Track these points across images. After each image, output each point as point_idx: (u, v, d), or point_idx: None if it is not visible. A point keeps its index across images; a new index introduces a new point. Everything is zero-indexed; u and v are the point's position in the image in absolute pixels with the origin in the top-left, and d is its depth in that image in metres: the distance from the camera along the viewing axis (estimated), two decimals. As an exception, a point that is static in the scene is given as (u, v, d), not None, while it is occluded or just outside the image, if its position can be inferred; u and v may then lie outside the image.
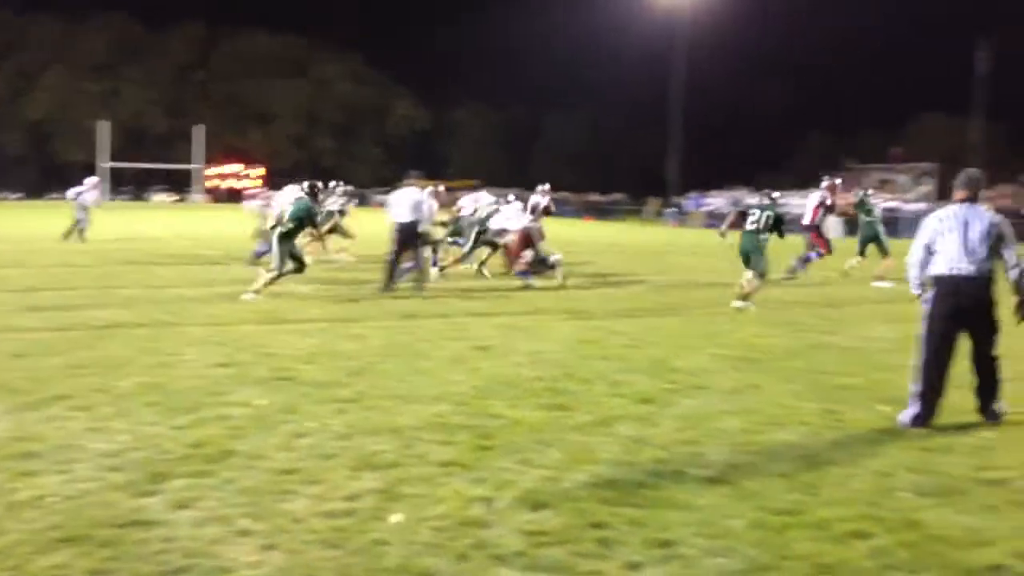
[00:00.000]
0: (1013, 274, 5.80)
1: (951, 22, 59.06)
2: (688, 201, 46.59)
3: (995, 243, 5.77)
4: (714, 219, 42.23)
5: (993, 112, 52.04)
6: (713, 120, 64.50)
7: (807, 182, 44.87)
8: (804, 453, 5.13)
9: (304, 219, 11.68)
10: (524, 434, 5.39)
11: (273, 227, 11.82)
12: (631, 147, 71.08)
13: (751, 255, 11.44)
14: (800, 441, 5.38)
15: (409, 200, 12.43)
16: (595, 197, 53.00)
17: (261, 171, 74.23)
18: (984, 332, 5.86)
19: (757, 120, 67.50)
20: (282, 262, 11.42)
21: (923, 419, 5.78)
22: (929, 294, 5.92)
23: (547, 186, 22.01)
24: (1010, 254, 5.78)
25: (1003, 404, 5.94)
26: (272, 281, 11.53)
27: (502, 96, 78.26)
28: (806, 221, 16.22)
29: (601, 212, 48.92)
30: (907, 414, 5.83)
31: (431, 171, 60.64)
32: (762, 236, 11.45)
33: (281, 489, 4.38)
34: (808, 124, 66.74)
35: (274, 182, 68.17)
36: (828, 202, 16.10)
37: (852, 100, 65.25)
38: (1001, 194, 39.78)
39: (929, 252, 5.92)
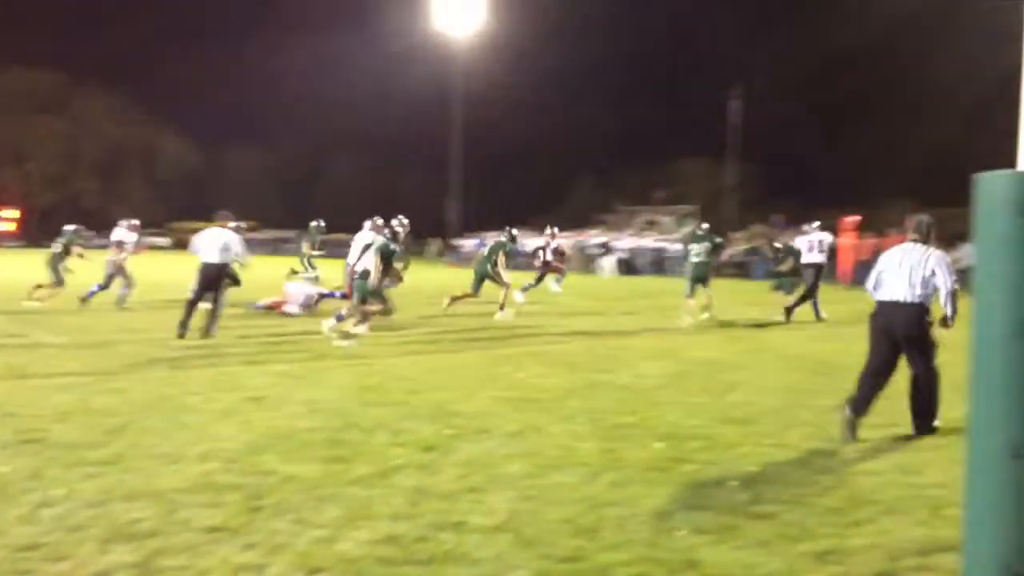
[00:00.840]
0: (946, 299, 6.76)
1: (705, 71, 63.32)
2: (470, 242, 47.14)
3: (932, 277, 6.75)
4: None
5: (747, 156, 56.17)
6: (490, 162, 65.81)
7: (580, 223, 46.71)
8: (585, 495, 5.12)
9: (388, 258, 12.19)
10: (299, 491, 5.10)
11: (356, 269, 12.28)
12: (412, 188, 71.31)
13: (704, 279, 15.51)
14: (580, 483, 5.38)
15: (218, 241, 12.14)
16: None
17: (16, 213, 68.95)
18: (914, 352, 6.87)
19: (531, 163, 69.55)
20: (380, 297, 11.92)
21: (851, 420, 6.80)
22: None
23: (555, 229, 22.12)
24: (945, 285, 6.75)
25: (937, 421, 6.96)
26: (368, 317, 11.97)
27: (277, 136, 76.72)
28: (818, 259, 16.47)
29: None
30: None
31: (204, 213, 58.34)
32: (709, 262, 15.70)
33: (20, 569, 3.90)
34: (579, 167, 69.38)
35: (31, 225, 63.56)
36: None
37: (618, 145, 68.45)
38: (754, 233, 42.76)
39: (880, 279, 7.03)
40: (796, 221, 42.92)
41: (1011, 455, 3.63)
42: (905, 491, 5.29)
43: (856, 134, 58.35)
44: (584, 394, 8.33)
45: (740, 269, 37.55)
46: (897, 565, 4.15)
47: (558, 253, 22.61)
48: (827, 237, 16.94)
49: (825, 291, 17.90)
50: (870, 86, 58.37)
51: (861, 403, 6.85)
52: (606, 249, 37.77)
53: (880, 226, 33.60)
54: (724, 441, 6.53)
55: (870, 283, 7.17)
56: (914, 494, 5.22)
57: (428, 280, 26.02)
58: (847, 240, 31.09)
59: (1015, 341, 3.62)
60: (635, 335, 13.50)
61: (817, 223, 17.31)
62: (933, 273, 6.72)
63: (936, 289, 6.75)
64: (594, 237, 40.71)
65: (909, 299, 6.77)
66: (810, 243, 16.63)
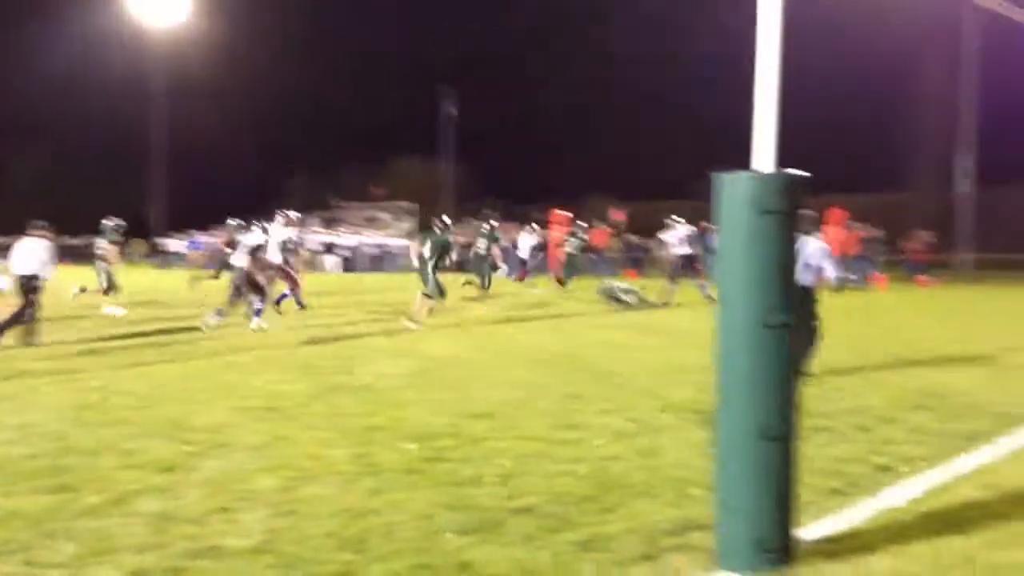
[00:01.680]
0: (830, 275, 9.06)
1: (419, 70, 63.91)
2: (177, 242, 44.81)
3: (821, 260, 8.93)
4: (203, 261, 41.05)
5: (461, 154, 57.47)
6: (195, 158, 62.73)
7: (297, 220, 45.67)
8: (344, 506, 4.96)
9: (445, 249, 14.39)
10: (24, 528, 4.56)
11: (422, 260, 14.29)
12: (111, 184, 66.52)
13: (485, 274, 19.43)
14: (338, 493, 5.21)
15: (29, 251, 12.05)
16: (71, 240, 48.65)
17: None
18: (806, 322, 8.75)
19: (242, 160, 67.07)
20: (438, 288, 14.16)
21: None
22: None
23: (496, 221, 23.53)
24: (828, 265, 8.99)
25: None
26: (432, 308, 14.39)
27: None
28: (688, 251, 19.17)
29: (77, 256, 44.96)
30: None
31: None
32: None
33: None
34: (293, 164, 67.75)
35: None
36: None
37: (333, 142, 67.55)
38: (463, 232, 43.74)
39: None
40: (510, 218, 44.45)
41: (758, 436, 3.89)
42: (650, 474, 5.56)
43: (564, 133, 61.37)
44: (327, 398, 8.11)
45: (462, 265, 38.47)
46: (657, 546, 4.33)
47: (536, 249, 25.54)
48: (692, 230, 19.71)
49: (542, 284, 18.62)
50: (579, 86, 61.51)
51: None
52: (329, 247, 37.28)
53: (587, 219, 35.49)
54: (474, 436, 6.57)
55: None
56: (659, 476, 5.50)
57: (139, 284, 24.44)
58: (559, 233, 32.46)
59: (758, 329, 3.87)
60: (371, 334, 13.37)
61: (683, 220, 20.01)
62: (824, 258, 8.97)
63: (822, 271, 8.96)
64: (315, 234, 40.06)
65: (808, 281, 8.75)
66: (679, 237, 19.20)
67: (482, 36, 64.82)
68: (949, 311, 18.49)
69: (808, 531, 4.46)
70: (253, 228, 14.82)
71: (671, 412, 7.40)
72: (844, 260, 26.80)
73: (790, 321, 3.86)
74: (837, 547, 4.27)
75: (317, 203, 50.04)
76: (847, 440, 6.43)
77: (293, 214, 16.95)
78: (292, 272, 16.03)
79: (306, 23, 65.31)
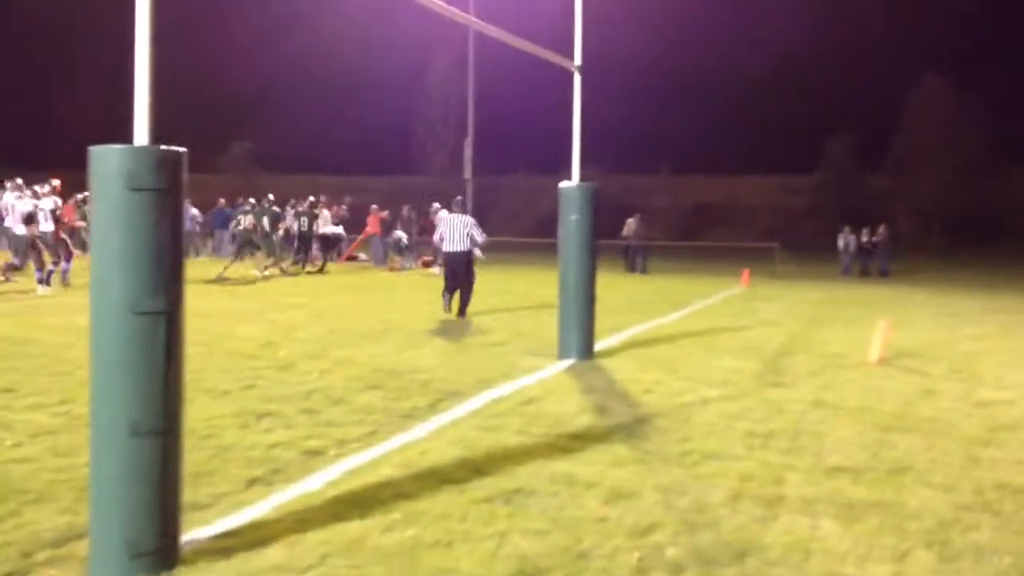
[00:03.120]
0: (477, 249, 13.15)
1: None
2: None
3: (470, 232, 12.85)
4: None
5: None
6: None
7: None
8: None
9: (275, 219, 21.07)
10: None
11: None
12: None
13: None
14: None
15: None
16: None
17: None
18: (465, 280, 13.02)
19: None
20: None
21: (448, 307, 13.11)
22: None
23: (324, 198, 25.22)
24: (477, 237, 12.88)
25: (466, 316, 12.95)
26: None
27: None
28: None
29: None
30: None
31: None
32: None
33: None
34: None
35: None
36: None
37: None
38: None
39: (441, 239, 13.09)
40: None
41: (129, 433, 3.60)
42: (56, 476, 4.99)
43: (69, 90, 56.23)
44: None
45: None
46: (30, 561, 3.85)
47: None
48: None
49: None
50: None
51: (449, 300, 13.06)
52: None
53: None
54: None
55: (437, 239, 13.41)
56: (66, 478, 4.95)
57: None
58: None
59: (131, 317, 3.57)
60: None
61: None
62: (473, 231, 12.83)
63: (473, 239, 12.84)
64: None
65: (461, 249, 12.89)
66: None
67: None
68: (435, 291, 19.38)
69: (212, 528, 4.26)
70: (24, 194, 15.38)
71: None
72: (370, 241, 27.54)
73: (164, 308, 3.59)
74: (233, 543, 4.09)
75: None
76: (289, 425, 6.34)
77: (55, 182, 16.68)
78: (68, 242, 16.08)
79: None
